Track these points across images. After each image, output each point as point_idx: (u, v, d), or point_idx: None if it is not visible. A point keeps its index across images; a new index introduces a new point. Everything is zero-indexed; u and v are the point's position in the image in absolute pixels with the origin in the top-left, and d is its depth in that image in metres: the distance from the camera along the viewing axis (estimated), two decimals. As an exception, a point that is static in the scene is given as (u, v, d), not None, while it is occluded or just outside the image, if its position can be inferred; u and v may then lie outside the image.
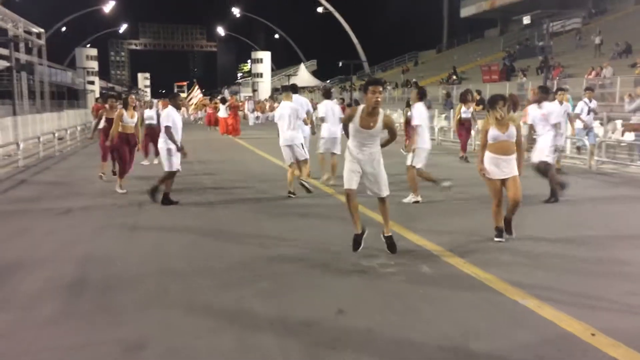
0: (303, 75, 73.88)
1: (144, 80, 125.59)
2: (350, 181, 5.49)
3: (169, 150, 8.29)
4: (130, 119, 9.67)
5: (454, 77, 36.82)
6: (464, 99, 14.31)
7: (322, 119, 10.15)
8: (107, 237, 6.49)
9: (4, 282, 4.90)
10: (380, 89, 5.33)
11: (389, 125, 5.51)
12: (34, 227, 7.09)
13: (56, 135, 18.01)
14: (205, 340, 3.67)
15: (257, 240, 6.27)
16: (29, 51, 33.57)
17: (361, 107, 5.46)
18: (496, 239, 6.03)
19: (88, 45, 78.63)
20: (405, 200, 8.32)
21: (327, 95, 10.63)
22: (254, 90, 71.28)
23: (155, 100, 44.62)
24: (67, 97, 56.69)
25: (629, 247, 5.90)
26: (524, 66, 31.88)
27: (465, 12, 52.78)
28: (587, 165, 12.58)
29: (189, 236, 6.51)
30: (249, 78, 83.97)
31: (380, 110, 5.40)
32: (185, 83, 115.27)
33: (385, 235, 5.66)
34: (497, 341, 3.63)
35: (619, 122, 16.05)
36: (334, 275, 4.99)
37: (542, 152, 8.38)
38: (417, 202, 8.33)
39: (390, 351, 3.50)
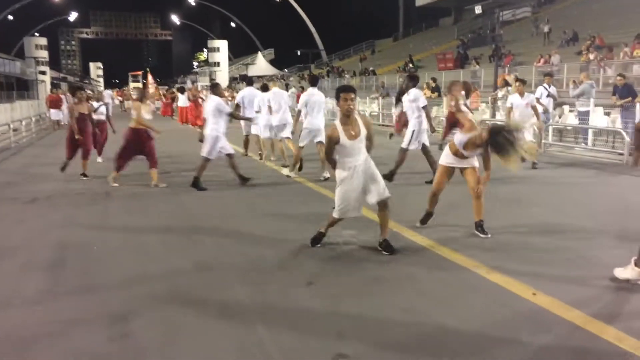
0: (261, 64, 73.57)
1: (96, 70, 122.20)
2: (346, 211, 5.24)
3: (216, 138, 8.63)
4: (147, 114, 8.99)
5: (410, 65, 37.49)
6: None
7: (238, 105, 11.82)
8: (79, 225, 6.63)
9: (-18, 267, 5.04)
10: (352, 95, 5.07)
11: (369, 126, 5.21)
12: (2, 216, 7.15)
13: (11, 126, 17.65)
14: (189, 310, 3.97)
15: (226, 224, 6.54)
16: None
17: (335, 123, 5.14)
18: (419, 224, 6.17)
19: (37, 34, 76.07)
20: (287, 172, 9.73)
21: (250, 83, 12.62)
22: (212, 79, 70.55)
23: (108, 92, 43.47)
24: (15, 87, 54.86)
25: (567, 221, 6.45)
26: (477, 54, 32.80)
27: (421, 0, 53.58)
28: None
29: (160, 222, 6.72)
30: (206, 67, 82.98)
31: (355, 114, 5.16)
32: (140, 72, 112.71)
33: (381, 240, 5.34)
34: (452, 303, 4.05)
35: (566, 107, 16.91)
36: (305, 256, 5.31)
37: (406, 139, 9.12)
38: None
39: (354, 314, 3.87)
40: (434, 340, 3.49)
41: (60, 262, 5.15)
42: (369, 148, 5.29)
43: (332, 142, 5.09)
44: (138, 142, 8.89)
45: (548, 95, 13.32)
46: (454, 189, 6.72)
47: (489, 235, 5.68)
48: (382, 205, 5.26)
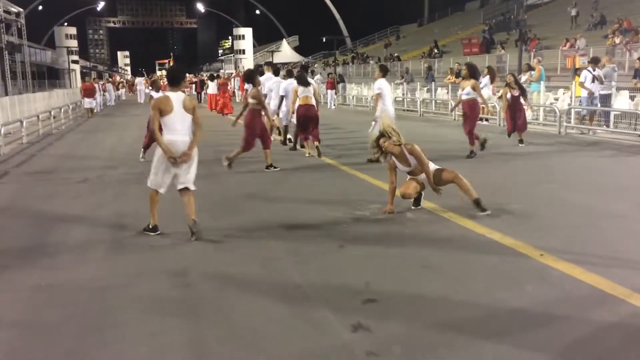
0: (285, 51, 73.86)
1: (123, 58, 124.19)
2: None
3: None
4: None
5: (435, 50, 37.58)
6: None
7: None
8: (130, 199, 7.35)
9: (53, 233, 5.76)
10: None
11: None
12: (60, 193, 7.90)
13: (52, 113, 18.57)
14: (237, 267, 4.60)
15: (262, 198, 7.19)
16: (7, 31, 33.54)
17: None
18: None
19: (66, 24, 77.66)
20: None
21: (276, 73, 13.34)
22: (237, 67, 71.27)
23: (140, 79, 43.99)
24: (47, 76, 56.30)
25: (576, 196, 6.91)
26: (503, 39, 32.77)
27: (446, -15, 53.22)
28: (557, 130, 13.65)
29: (203, 196, 7.34)
30: (231, 55, 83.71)
31: None
32: (166, 61, 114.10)
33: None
34: (465, 263, 4.59)
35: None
36: (336, 225, 5.91)
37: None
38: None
39: (380, 270, 4.45)
40: (447, 289, 4.04)
41: (119, 228, 5.85)
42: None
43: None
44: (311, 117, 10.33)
45: (593, 80, 13.38)
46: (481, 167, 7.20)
47: (489, 212, 5.94)
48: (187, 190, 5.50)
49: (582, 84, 13.59)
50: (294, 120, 10.98)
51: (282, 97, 11.71)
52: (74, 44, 69.17)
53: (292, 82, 11.21)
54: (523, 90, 11.68)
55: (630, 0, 29.66)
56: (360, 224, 5.83)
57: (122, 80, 59.40)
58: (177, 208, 6.64)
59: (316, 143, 10.47)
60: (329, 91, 27.66)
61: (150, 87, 12.68)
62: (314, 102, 10.41)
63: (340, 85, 31.53)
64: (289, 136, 12.26)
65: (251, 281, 4.30)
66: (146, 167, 9.51)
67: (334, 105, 27.41)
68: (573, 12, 30.93)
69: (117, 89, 45.93)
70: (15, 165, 10.65)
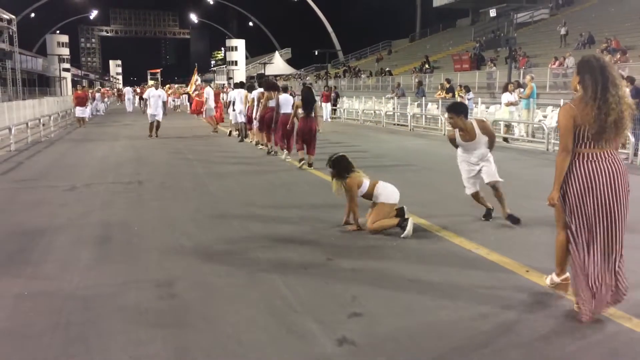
0: (278, 63, 74.32)
1: (115, 67, 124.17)
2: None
3: None
4: None
5: (427, 66, 37.90)
6: None
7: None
8: (118, 207, 7.31)
9: (38, 240, 5.71)
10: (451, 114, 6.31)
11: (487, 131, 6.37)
12: (46, 201, 7.84)
13: (41, 121, 18.48)
14: (224, 278, 4.58)
15: (249, 208, 7.17)
16: (-1, 38, 33.49)
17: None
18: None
19: (58, 32, 77.57)
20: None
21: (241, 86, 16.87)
22: (229, 78, 71.45)
23: (128, 88, 43.88)
24: (37, 84, 56.08)
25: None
26: (493, 55, 33.16)
27: (438, 1, 53.84)
28: (545, 147, 13.78)
29: (189, 205, 7.37)
30: (224, 66, 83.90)
31: (470, 121, 6.27)
32: (158, 70, 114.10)
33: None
34: (451, 277, 4.61)
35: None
36: (320, 232, 5.91)
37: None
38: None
39: (367, 284, 4.45)
40: (434, 304, 4.05)
41: (106, 237, 5.82)
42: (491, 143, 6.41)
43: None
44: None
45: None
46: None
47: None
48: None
49: None
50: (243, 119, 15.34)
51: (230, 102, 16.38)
52: (65, 52, 69.04)
53: (242, 91, 15.47)
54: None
55: (618, 19, 30.21)
56: (348, 237, 5.84)
57: (108, 89, 59.45)
58: (163, 225, 6.65)
59: (311, 157, 10.80)
60: (323, 104, 27.68)
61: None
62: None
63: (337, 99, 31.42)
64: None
65: (237, 292, 4.28)
66: (135, 177, 9.64)
67: (329, 118, 27.48)
68: (562, 31, 31.39)
69: (108, 98, 45.99)
70: (1, 173, 10.56)
